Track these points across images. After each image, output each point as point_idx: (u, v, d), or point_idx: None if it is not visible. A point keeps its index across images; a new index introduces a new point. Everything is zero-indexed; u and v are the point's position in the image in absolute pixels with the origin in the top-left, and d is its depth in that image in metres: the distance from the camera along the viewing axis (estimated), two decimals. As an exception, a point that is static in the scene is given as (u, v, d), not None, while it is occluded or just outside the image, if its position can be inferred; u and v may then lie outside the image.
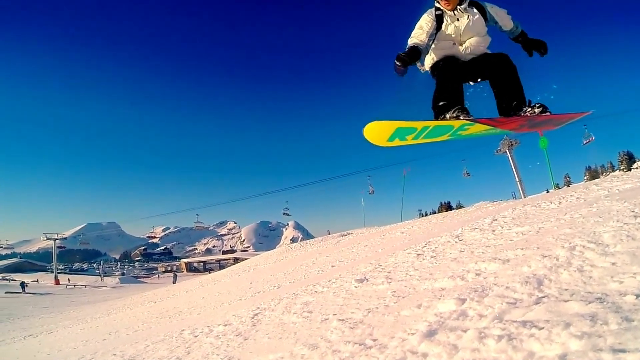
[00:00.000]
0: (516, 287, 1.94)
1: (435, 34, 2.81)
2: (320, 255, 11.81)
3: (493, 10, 2.86)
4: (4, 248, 52.11)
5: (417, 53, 2.70)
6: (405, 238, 8.87)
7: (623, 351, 1.05)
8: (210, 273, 35.11)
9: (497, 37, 2.99)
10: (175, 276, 39.98)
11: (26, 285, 31.75)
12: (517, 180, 27.25)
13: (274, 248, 32.60)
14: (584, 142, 28.45)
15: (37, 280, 41.84)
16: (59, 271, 46.71)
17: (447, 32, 2.81)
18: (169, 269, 77.40)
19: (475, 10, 2.78)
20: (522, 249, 2.87)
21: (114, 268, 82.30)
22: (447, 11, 2.77)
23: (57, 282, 39.91)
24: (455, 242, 4.69)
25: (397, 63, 2.55)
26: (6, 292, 28.56)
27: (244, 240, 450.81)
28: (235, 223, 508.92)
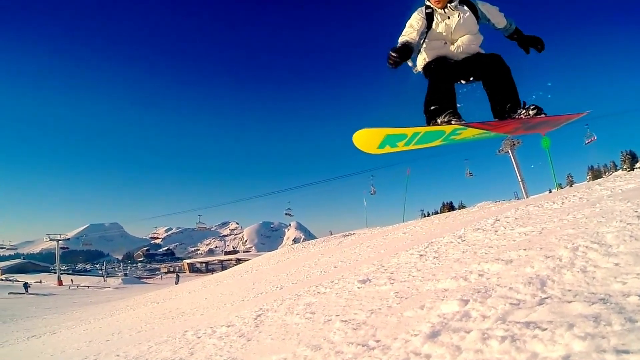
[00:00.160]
0: (519, 288, 1.94)
1: (426, 32, 2.80)
2: (322, 256, 11.81)
3: (484, 7, 2.84)
4: (7, 249, 52.34)
5: (409, 49, 2.68)
6: (407, 239, 8.86)
7: (626, 352, 1.05)
8: (212, 274, 35.16)
9: (490, 37, 2.98)
10: (177, 277, 40.08)
11: (29, 286, 31.86)
12: (520, 180, 27.15)
13: (276, 249, 32.64)
14: (586, 142, 28.35)
15: (40, 281, 41.99)
16: (61, 272, 46.88)
17: (437, 31, 2.79)
18: (171, 269, 77.57)
19: (466, 8, 2.76)
20: (525, 249, 2.86)
21: (116, 269, 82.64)
22: (437, 9, 2.75)
23: (60, 282, 40.05)
24: (458, 242, 4.68)
25: (393, 54, 2.50)
26: (9, 293, 28.72)
27: (246, 240, 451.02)
28: (237, 224, 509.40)
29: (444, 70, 2.76)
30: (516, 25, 2.94)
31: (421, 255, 4.58)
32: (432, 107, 2.68)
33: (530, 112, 2.67)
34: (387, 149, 2.70)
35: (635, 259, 1.86)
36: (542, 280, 1.95)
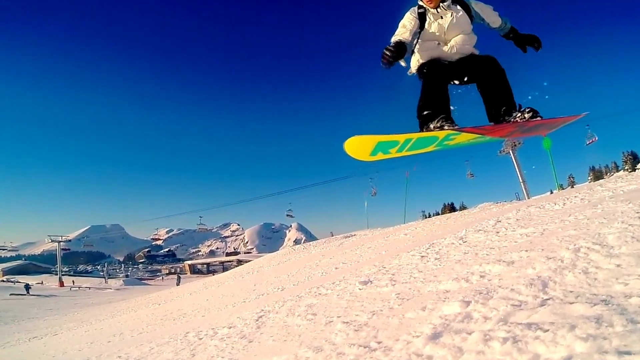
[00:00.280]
0: (521, 289, 1.94)
1: (419, 32, 2.76)
2: (323, 257, 11.80)
3: (478, 6, 2.81)
4: (9, 250, 52.52)
5: (403, 47, 2.64)
6: (408, 240, 8.85)
7: (628, 353, 1.05)
8: (213, 275, 35.18)
9: (484, 38, 2.95)
10: (179, 278, 40.15)
11: (30, 287, 31.94)
12: (521, 181, 27.06)
13: (277, 250, 32.64)
14: (587, 143, 28.26)
15: (42, 282, 42.08)
16: (63, 273, 47.01)
17: (430, 31, 2.76)
18: (172, 271, 77.66)
19: (459, 7, 2.73)
20: (526, 250, 2.85)
21: (118, 270, 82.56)
22: (430, 9, 2.72)
23: (61, 284, 40.11)
24: (459, 243, 4.68)
25: (387, 52, 2.45)
26: (11, 294, 28.74)
27: (247, 242, 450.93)
28: (238, 225, 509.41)
29: (437, 73, 2.72)
30: (511, 24, 2.89)
31: (422, 256, 4.58)
32: (425, 112, 2.63)
33: (526, 116, 2.62)
34: (380, 156, 2.65)
35: (637, 260, 1.86)
36: (544, 282, 1.94)
